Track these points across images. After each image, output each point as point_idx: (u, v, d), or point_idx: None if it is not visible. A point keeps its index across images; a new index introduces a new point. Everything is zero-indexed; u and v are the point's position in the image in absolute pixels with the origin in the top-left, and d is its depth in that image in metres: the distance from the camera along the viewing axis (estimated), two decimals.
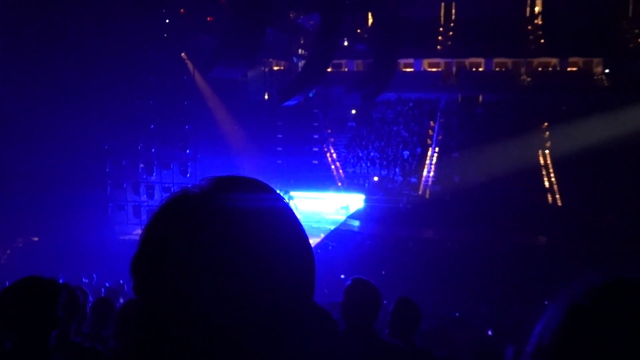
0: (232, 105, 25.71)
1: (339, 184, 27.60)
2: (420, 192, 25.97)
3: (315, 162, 29.26)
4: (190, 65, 23.63)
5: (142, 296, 0.74)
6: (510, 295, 14.92)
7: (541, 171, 25.94)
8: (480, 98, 31.83)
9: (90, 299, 5.52)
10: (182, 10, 23.09)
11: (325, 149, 29.82)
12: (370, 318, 3.10)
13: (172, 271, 0.71)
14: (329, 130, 30.94)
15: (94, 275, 14.50)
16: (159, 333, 0.72)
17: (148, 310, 0.73)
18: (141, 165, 22.55)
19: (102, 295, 8.27)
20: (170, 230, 0.74)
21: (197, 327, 0.71)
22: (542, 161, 26.59)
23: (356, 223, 23.34)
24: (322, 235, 21.89)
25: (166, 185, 22.67)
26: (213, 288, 0.70)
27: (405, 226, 21.77)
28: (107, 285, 11.71)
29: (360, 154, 28.87)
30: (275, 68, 31.23)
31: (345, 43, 32.34)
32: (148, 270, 0.74)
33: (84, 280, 13.50)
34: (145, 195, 22.45)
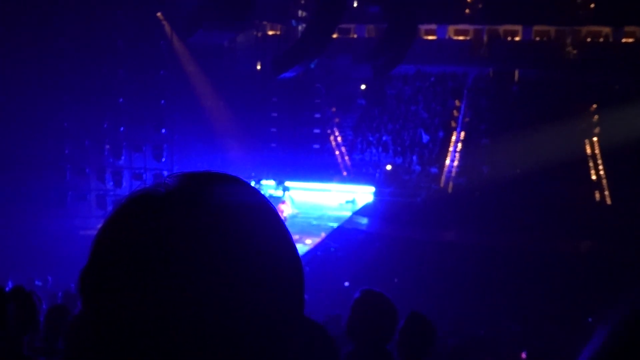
0: (217, 76, 25.67)
1: (344, 173, 27.62)
2: (441, 185, 25.99)
3: (317, 146, 29.26)
4: (167, 28, 23.58)
5: (93, 314, 0.74)
6: (547, 311, 14.98)
7: (588, 163, 25.92)
8: (516, 74, 31.73)
9: (44, 306, 5.55)
10: None
11: (329, 132, 29.81)
12: (384, 339, 3.11)
13: (130, 285, 0.71)
14: (334, 109, 30.91)
15: (49, 278, 14.57)
16: (116, 353, 0.72)
17: (102, 329, 0.73)
18: (107, 147, 22.57)
19: (59, 301, 8.32)
20: (129, 238, 0.73)
21: (164, 349, 0.71)
22: (588, 151, 26.57)
23: (364, 221, 23.38)
24: (323, 234, 21.93)
25: (136, 171, 22.72)
26: (180, 304, 0.70)
27: (423, 226, 21.80)
28: (71, 286, 11.77)
29: (371, 138, 28.86)
30: (270, 33, 31.14)
31: (355, 4, 32.22)
32: (101, 284, 0.73)
33: (37, 283, 13.58)
34: (111, 183, 22.51)
